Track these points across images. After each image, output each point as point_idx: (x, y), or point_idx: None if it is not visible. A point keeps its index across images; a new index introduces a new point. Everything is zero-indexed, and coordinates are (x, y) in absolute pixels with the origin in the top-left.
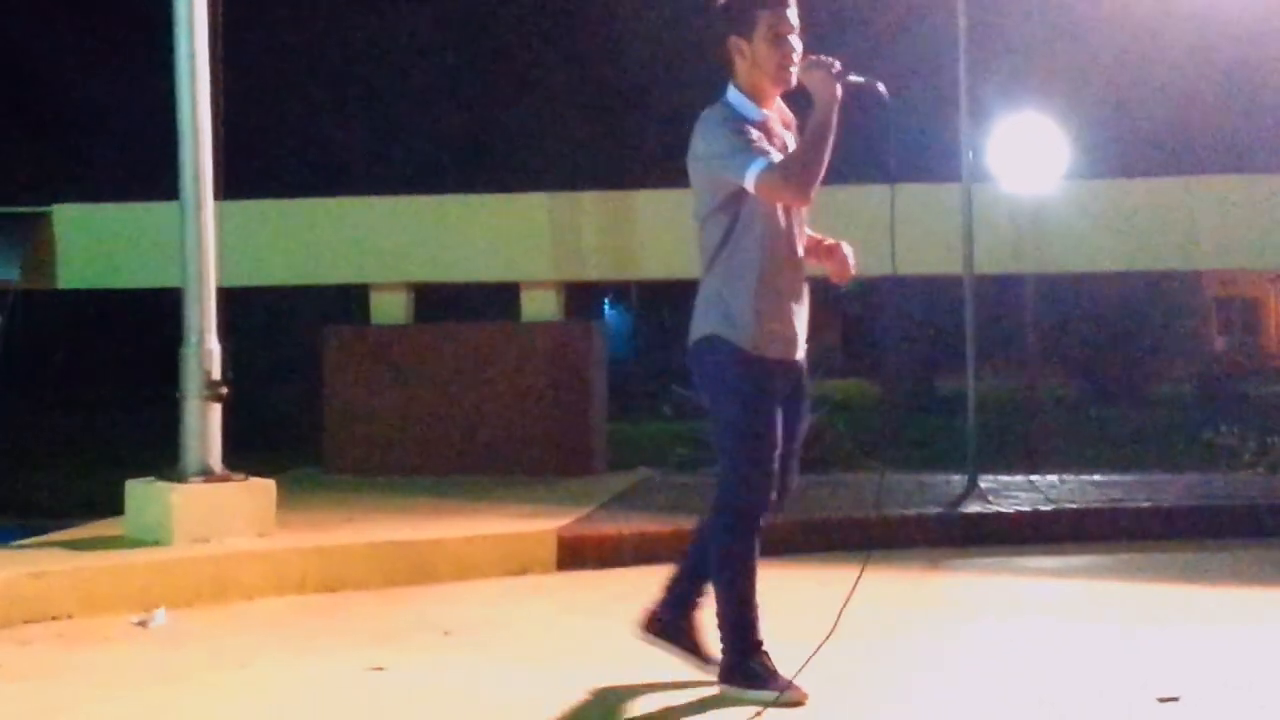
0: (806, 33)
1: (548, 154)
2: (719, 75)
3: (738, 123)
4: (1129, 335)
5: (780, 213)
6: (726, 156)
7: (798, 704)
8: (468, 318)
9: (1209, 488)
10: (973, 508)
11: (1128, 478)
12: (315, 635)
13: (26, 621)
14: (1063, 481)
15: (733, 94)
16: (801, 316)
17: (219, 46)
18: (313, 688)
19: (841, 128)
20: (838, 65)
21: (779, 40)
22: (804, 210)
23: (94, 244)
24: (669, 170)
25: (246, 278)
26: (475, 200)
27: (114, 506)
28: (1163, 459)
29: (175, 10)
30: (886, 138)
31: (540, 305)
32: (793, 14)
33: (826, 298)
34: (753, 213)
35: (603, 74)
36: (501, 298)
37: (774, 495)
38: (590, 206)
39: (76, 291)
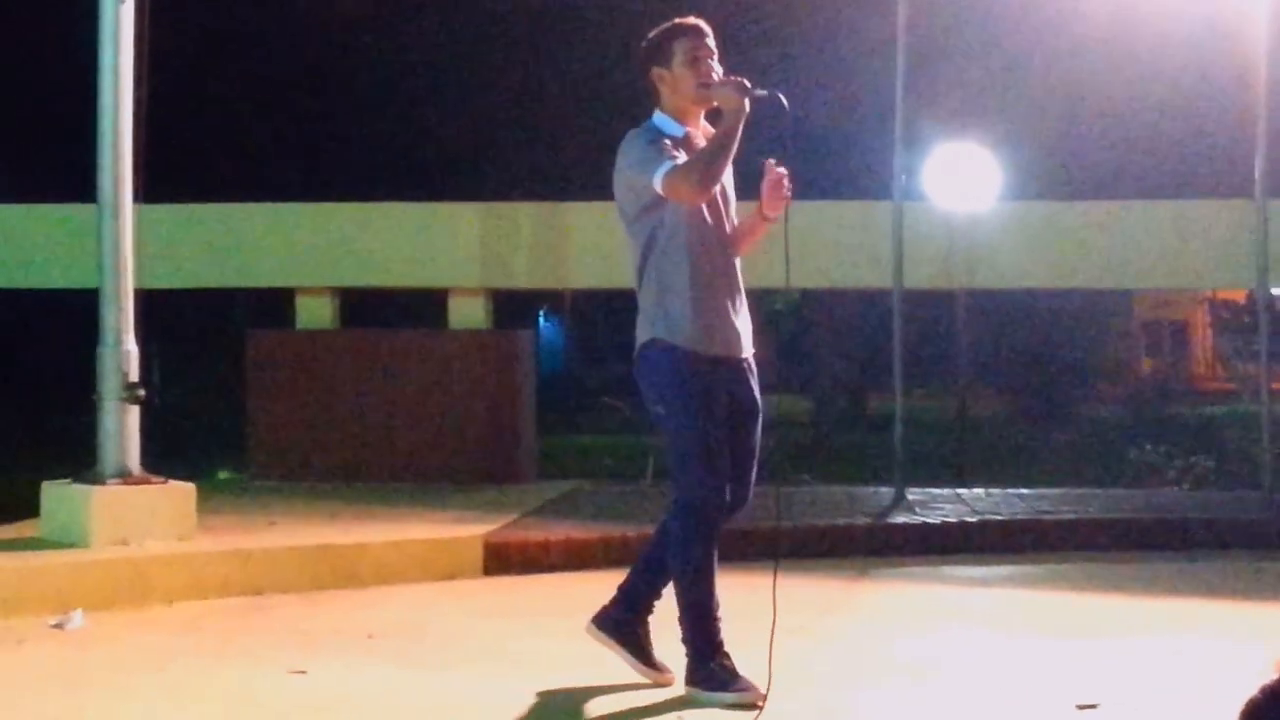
0: (726, 59)
1: (481, 164)
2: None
3: (656, 136)
4: (1058, 357)
5: (706, 217)
6: (642, 164)
7: (755, 706)
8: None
9: (1132, 502)
10: (900, 518)
11: (1053, 492)
12: (234, 638)
13: None
14: (989, 494)
15: (657, 116)
16: (742, 316)
17: (144, 52)
18: (229, 691)
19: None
20: (746, 82)
21: (696, 62)
22: (730, 211)
23: (4, 245)
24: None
25: (170, 281)
26: (402, 208)
27: (31, 509)
28: (1089, 476)
29: (101, 22)
30: (816, 153)
31: (468, 313)
32: (709, 41)
33: (761, 313)
34: (677, 221)
35: (544, 85)
36: (437, 308)
37: (728, 496)
38: (524, 218)
39: None
